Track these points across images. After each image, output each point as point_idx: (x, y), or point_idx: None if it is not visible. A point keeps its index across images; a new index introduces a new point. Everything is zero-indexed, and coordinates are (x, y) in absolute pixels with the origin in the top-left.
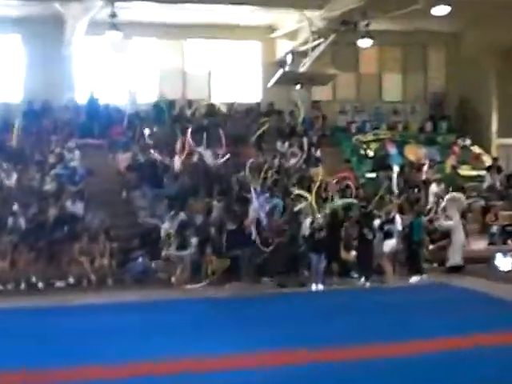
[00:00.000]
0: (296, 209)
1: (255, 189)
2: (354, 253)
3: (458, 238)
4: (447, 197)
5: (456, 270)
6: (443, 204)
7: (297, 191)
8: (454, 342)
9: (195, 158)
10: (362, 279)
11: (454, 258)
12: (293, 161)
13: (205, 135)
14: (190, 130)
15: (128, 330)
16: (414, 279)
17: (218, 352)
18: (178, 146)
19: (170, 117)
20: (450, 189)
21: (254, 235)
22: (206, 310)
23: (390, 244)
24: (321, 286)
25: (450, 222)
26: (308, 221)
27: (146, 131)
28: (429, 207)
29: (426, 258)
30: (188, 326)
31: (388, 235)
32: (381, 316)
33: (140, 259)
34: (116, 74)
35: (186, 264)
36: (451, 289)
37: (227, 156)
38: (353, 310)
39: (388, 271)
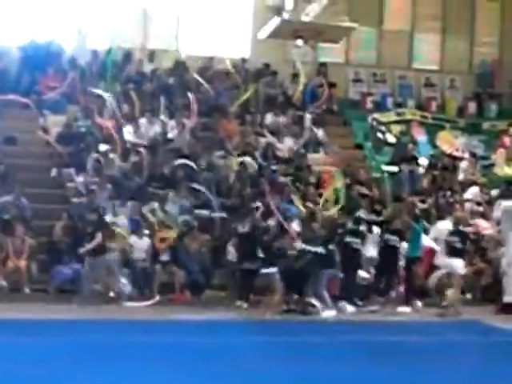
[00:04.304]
0: None
1: None
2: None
3: None
4: (502, 206)
5: None
6: (496, 214)
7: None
8: None
9: (156, 130)
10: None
11: None
12: (289, 142)
13: (162, 100)
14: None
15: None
16: (402, 310)
17: None
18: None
19: (119, 72)
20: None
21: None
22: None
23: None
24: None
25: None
26: None
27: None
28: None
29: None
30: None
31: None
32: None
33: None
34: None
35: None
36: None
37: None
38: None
39: None
